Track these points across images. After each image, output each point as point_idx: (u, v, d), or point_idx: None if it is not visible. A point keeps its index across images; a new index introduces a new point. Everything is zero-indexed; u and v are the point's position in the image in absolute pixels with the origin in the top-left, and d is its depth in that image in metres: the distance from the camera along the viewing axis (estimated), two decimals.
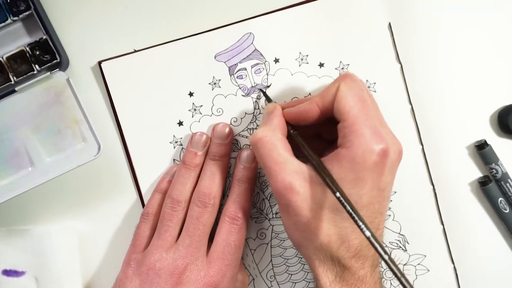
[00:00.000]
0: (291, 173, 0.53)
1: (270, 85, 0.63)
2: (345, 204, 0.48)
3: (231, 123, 0.64)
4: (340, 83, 0.55)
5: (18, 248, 0.64)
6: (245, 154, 0.63)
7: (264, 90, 0.63)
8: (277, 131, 0.56)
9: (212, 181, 0.61)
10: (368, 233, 0.47)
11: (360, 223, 0.47)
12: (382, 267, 0.63)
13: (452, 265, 0.64)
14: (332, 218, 0.52)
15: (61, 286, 0.64)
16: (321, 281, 0.54)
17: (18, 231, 0.65)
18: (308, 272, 0.66)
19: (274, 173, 0.53)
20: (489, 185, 0.63)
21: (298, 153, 0.55)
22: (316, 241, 0.53)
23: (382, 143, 0.51)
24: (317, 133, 0.60)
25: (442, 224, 0.64)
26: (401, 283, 0.45)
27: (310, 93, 0.63)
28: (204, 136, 0.63)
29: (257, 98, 0.64)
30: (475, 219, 0.65)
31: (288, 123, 0.58)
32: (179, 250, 0.59)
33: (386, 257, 0.46)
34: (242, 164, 0.63)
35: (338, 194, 0.49)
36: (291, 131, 0.57)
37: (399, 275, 0.45)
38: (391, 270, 0.46)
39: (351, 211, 0.48)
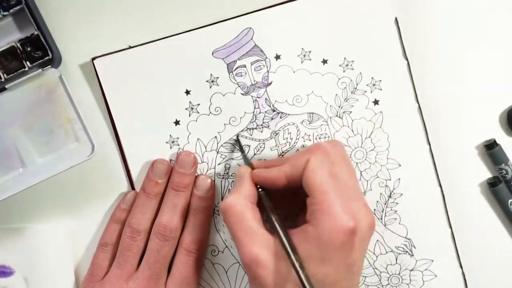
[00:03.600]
0: (258, 246, 0.52)
1: (271, 83, 0.62)
2: (305, 284, 0.48)
3: (230, 123, 0.62)
4: (311, 156, 0.54)
5: (7, 247, 0.63)
6: (201, 182, 0.62)
7: (238, 139, 0.62)
8: (247, 200, 0.55)
9: (173, 213, 0.61)
10: None
11: None
12: None
13: (461, 270, 0.63)
14: None
15: (52, 286, 0.63)
16: None
17: (8, 229, 0.63)
18: None
19: (242, 244, 0.52)
20: (498, 186, 0.62)
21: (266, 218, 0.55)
22: None
23: (351, 221, 0.50)
24: (290, 189, 0.58)
25: (450, 227, 0.62)
26: None
27: (312, 91, 0.62)
28: (166, 163, 0.62)
29: (257, 97, 0.62)
30: (485, 222, 0.63)
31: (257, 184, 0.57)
32: (140, 280, 0.60)
33: None
34: (198, 193, 0.62)
35: (301, 274, 0.49)
36: (260, 191, 0.57)
37: None
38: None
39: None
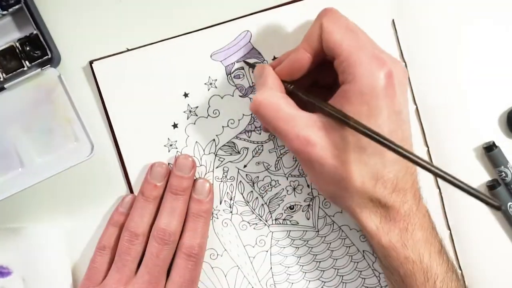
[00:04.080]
0: (303, 127, 0.51)
1: None
2: (371, 133, 0.47)
3: (228, 125, 0.62)
4: (322, 20, 0.53)
5: (4, 247, 0.62)
6: (200, 186, 0.62)
7: (247, 61, 0.62)
8: (274, 90, 0.54)
9: (172, 217, 0.60)
10: (412, 157, 0.46)
11: (397, 144, 0.46)
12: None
13: (460, 272, 0.62)
14: (359, 158, 0.50)
15: (50, 286, 0.62)
16: (368, 228, 0.52)
17: (6, 229, 0.63)
18: (310, 281, 0.64)
19: (286, 132, 0.51)
20: (497, 189, 0.61)
21: (303, 108, 0.53)
22: (350, 187, 0.51)
23: (384, 66, 0.49)
24: (313, 83, 0.58)
25: (449, 229, 0.62)
26: (447, 180, 0.46)
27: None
28: (164, 167, 0.61)
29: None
30: (483, 224, 0.63)
31: (283, 81, 0.56)
32: (139, 284, 0.59)
33: (423, 163, 0.46)
34: (197, 196, 0.61)
35: (359, 127, 0.47)
36: (289, 86, 0.55)
37: (455, 181, 0.46)
38: (443, 178, 0.46)
39: (381, 138, 0.46)
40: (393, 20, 0.61)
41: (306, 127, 0.51)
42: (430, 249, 0.52)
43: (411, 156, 0.46)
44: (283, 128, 0.52)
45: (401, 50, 0.61)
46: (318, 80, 0.59)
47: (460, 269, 0.62)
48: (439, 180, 0.62)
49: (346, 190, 0.51)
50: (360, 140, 0.49)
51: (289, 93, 0.55)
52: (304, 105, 0.53)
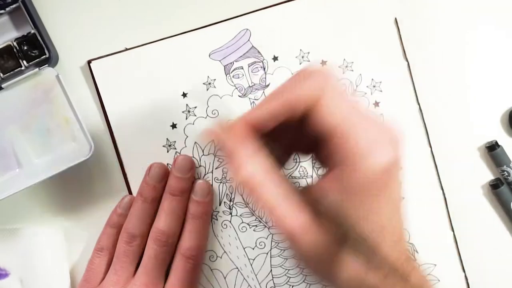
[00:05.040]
0: (299, 211, 0.44)
1: (269, 85, 0.61)
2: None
3: None
4: (323, 93, 0.43)
5: (2, 248, 0.62)
6: (199, 187, 0.61)
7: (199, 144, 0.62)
8: (260, 156, 0.45)
9: (170, 219, 0.60)
10: None
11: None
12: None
13: (463, 274, 0.61)
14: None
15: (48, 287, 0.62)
16: None
17: (3, 230, 0.63)
18: (310, 284, 0.63)
19: (280, 217, 0.44)
20: (500, 188, 0.61)
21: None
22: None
23: (391, 148, 0.43)
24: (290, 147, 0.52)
25: (452, 230, 0.61)
26: None
27: None
28: (163, 167, 0.61)
29: (255, 99, 0.62)
30: (487, 224, 0.62)
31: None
32: (137, 286, 0.59)
33: None
34: (196, 197, 0.61)
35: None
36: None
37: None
38: None
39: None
40: (395, 19, 0.61)
41: (301, 210, 0.44)
42: None
43: None
44: (277, 214, 0.44)
45: (403, 49, 0.61)
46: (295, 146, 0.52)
47: (464, 271, 0.62)
48: (442, 179, 0.61)
49: (337, 279, 0.47)
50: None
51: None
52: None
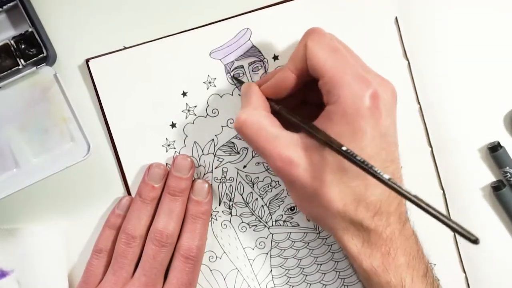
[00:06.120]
0: (286, 146, 0.51)
1: None
2: (351, 157, 0.46)
3: (227, 125, 0.61)
4: (307, 39, 0.53)
5: (0, 248, 0.62)
6: (198, 187, 0.61)
7: (236, 76, 0.61)
8: (259, 109, 0.54)
9: (169, 219, 0.59)
10: (386, 176, 0.45)
11: (375, 169, 0.45)
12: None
13: (464, 275, 0.62)
14: (341, 180, 0.50)
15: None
16: (349, 251, 0.52)
17: (1, 231, 0.62)
18: (310, 284, 0.63)
19: (269, 151, 0.51)
20: (502, 190, 0.60)
21: (288, 127, 0.53)
22: (331, 209, 0.50)
23: (369, 86, 0.49)
24: (302, 101, 0.58)
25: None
26: (435, 217, 0.43)
27: None
28: (162, 167, 0.61)
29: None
30: (488, 226, 0.62)
31: (269, 99, 0.56)
32: (135, 287, 0.58)
33: (412, 197, 0.44)
34: (195, 197, 0.61)
35: (344, 148, 0.47)
36: (275, 105, 0.55)
37: (430, 210, 0.43)
38: (420, 207, 0.43)
39: (360, 162, 0.46)
40: (396, 18, 0.61)
41: (289, 147, 0.51)
42: (413, 273, 0.52)
43: (389, 182, 0.45)
44: (266, 148, 0.52)
45: (404, 48, 0.61)
46: (307, 99, 0.58)
47: (464, 272, 0.62)
48: (443, 180, 0.61)
49: (327, 212, 0.51)
50: (342, 162, 0.49)
51: (276, 112, 0.55)
52: (290, 125, 0.53)
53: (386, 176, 0.45)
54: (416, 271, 0.52)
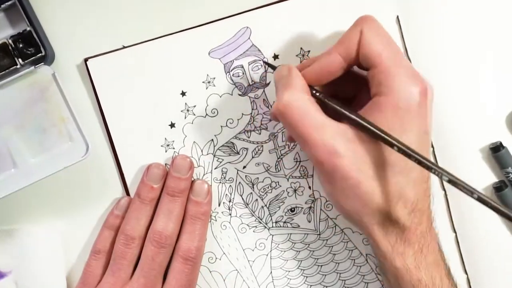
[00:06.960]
0: (332, 135, 0.49)
1: (269, 83, 0.61)
2: (410, 152, 0.46)
3: (227, 125, 0.61)
4: (363, 26, 0.51)
5: None
6: (198, 187, 0.61)
7: (267, 62, 0.60)
8: (303, 93, 0.51)
9: (168, 220, 0.59)
10: (446, 178, 0.47)
11: (436, 168, 0.46)
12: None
13: (466, 276, 0.61)
14: (385, 175, 0.49)
15: None
16: (382, 248, 0.52)
17: None
18: (311, 286, 0.62)
19: (314, 140, 0.49)
20: (504, 191, 0.60)
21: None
22: (371, 203, 0.50)
23: (421, 84, 0.50)
24: (332, 94, 0.56)
25: (455, 231, 0.61)
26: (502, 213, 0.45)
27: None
28: (161, 168, 0.60)
29: (255, 98, 0.61)
30: (490, 227, 0.61)
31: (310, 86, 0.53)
32: None
33: (475, 195, 0.46)
34: (195, 198, 0.60)
35: (398, 145, 0.47)
36: (315, 93, 0.53)
37: (501, 209, 0.45)
38: (488, 205, 0.46)
39: (418, 157, 0.46)
40: (397, 16, 0.60)
41: (335, 136, 0.49)
42: (441, 272, 0.52)
43: (457, 181, 0.46)
44: (311, 135, 0.49)
45: (405, 47, 0.60)
46: (337, 92, 0.57)
47: (466, 273, 0.61)
48: (444, 182, 0.60)
49: (365, 206, 0.50)
50: (389, 157, 0.48)
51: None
52: (328, 115, 0.51)
53: (445, 178, 0.46)
54: (443, 269, 0.53)
